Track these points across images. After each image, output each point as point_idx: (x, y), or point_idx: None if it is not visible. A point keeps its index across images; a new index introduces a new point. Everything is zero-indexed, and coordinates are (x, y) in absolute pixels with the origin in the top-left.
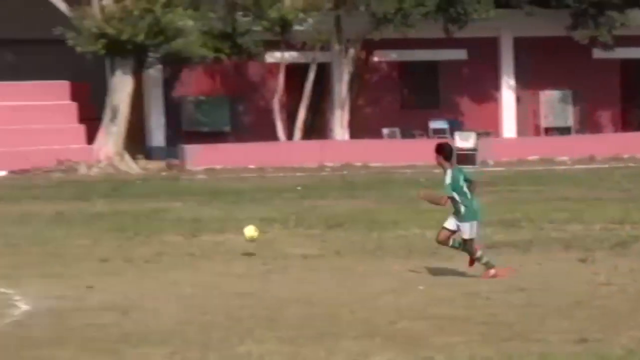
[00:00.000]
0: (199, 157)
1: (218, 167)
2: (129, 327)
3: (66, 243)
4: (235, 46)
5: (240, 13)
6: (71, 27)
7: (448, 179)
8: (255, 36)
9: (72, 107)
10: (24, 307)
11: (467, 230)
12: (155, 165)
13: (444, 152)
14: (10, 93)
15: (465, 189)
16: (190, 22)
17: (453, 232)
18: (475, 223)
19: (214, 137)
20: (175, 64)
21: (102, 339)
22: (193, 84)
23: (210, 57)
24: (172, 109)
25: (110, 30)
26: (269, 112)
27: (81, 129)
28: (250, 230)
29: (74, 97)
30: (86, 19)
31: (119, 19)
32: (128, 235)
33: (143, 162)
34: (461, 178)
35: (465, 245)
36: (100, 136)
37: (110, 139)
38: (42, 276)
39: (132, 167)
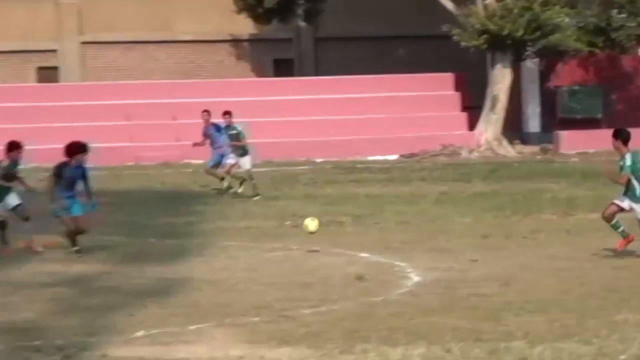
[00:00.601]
0: (572, 142)
1: (590, 151)
2: (510, 296)
3: (450, 220)
4: (608, 40)
5: (615, 10)
6: (456, 24)
7: (629, 161)
8: (629, 31)
9: (456, 97)
10: (415, 278)
11: None
12: (530, 149)
13: (622, 136)
14: (402, 84)
15: None
16: (566, 19)
17: (622, 209)
18: None
19: (587, 123)
20: (550, 57)
21: (484, 307)
22: (567, 75)
23: (585, 51)
24: (547, 98)
25: (492, 27)
26: (639, 100)
27: (463, 117)
28: (311, 225)
29: (457, 87)
30: (471, 17)
31: (500, 16)
32: (506, 214)
33: (519, 147)
34: (638, 162)
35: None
36: (481, 123)
37: (490, 125)
38: (430, 250)
39: (509, 151)
